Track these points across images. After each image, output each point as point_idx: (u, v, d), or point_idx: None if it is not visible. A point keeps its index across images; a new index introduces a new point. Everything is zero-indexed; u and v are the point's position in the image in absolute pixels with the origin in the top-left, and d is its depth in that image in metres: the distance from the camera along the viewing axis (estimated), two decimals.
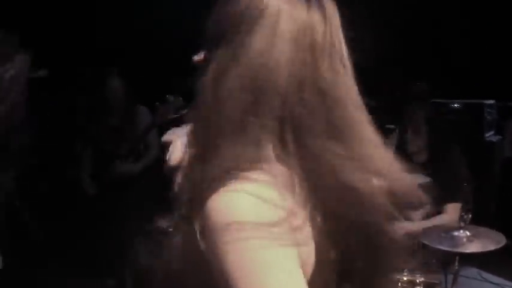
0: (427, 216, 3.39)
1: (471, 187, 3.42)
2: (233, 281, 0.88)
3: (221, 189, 0.92)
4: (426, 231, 2.94)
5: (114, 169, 4.23)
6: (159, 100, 3.97)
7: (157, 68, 4.83)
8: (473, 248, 2.68)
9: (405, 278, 2.50)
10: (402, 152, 3.47)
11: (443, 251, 2.74)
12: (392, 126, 3.76)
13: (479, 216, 3.21)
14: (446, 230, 2.84)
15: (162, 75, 4.12)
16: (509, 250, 4.04)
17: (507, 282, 3.88)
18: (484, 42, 4.94)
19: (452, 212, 3.26)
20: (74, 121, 4.82)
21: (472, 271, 3.96)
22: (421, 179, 2.91)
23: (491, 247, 2.66)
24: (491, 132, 4.41)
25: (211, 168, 0.96)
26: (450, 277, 2.91)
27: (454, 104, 4.36)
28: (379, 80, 4.59)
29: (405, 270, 2.68)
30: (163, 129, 4.33)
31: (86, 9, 5.02)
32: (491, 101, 4.42)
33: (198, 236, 0.94)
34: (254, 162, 0.96)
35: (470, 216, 2.85)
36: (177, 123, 1.14)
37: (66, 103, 5.32)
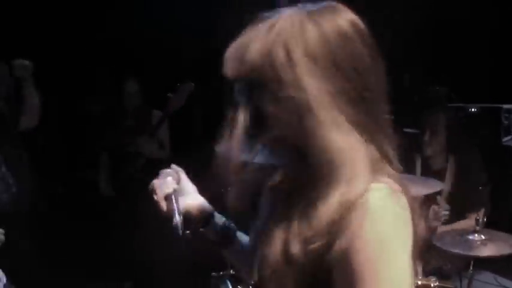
0: (447, 222, 3.37)
1: (488, 191, 3.41)
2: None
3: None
4: (441, 235, 2.95)
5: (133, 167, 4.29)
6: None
7: (171, 73, 4.88)
8: (488, 251, 2.67)
9: (420, 282, 2.50)
10: (419, 157, 3.47)
11: (458, 255, 2.73)
12: (410, 130, 3.75)
13: (496, 221, 3.19)
14: (461, 234, 2.84)
15: (175, 80, 4.17)
16: None
17: None
18: (502, 46, 4.91)
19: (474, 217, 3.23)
20: (92, 124, 4.89)
21: (488, 276, 3.93)
22: (438, 185, 2.89)
23: (506, 251, 2.65)
24: (509, 137, 4.37)
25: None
26: (465, 281, 2.91)
27: (471, 108, 4.34)
28: (398, 83, 4.58)
29: (420, 274, 2.68)
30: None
31: (105, 15, 5.09)
32: (510, 106, 4.38)
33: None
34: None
35: (485, 219, 2.84)
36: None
37: (84, 107, 5.39)
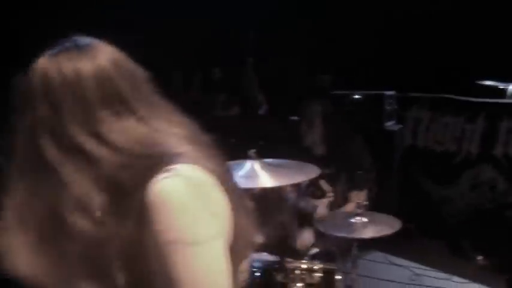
0: (332, 205, 3.46)
1: (373, 175, 3.53)
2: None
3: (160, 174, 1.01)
4: (323, 220, 3.02)
5: None
6: None
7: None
8: (369, 233, 2.75)
9: (303, 266, 2.53)
10: (299, 145, 3.53)
11: (343, 237, 2.79)
12: (295, 118, 3.79)
13: (381, 203, 3.31)
14: (343, 217, 2.91)
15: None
16: (413, 233, 4.23)
17: (412, 264, 4.05)
18: (385, 36, 5.08)
19: (356, 200, 3.32)
20: None
21: (378, 255, 4.10)
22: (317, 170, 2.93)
23: (387, 232, 2.74)
24: (392, 122, 4.55)
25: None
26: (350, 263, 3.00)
27: (354, 95, 4.48)
28: (282, 72, 4.62)
29: (305, 257, 2.72)
30: None
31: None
32: (391, 92, 4.56)
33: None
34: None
35: (367, 202, 2.93)
36: None
37: None
